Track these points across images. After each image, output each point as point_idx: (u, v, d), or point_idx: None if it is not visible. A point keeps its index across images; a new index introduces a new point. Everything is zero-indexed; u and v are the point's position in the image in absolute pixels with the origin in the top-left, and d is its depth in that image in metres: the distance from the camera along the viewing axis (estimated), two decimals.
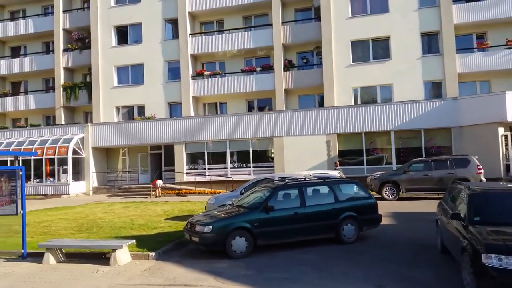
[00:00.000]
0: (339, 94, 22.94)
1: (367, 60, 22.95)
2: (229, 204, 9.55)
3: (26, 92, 29.70)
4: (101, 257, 8.12)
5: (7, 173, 8.44)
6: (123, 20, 26.58)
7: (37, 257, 8.25)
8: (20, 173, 8.72)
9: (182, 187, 22.41)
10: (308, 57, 24.70)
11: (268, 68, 24.30)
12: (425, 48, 22.42)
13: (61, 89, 27.41)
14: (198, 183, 22.77)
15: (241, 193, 11.64)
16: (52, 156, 24.20)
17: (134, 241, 8.17)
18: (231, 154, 23.21)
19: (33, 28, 28.43)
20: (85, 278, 6.87)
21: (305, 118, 21.60)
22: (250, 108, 25.60)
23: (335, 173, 14.88)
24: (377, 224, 9.02)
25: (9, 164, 23.68)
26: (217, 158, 23.59)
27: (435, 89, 22.42)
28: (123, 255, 7.70)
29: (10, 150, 24.82)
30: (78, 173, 24.93)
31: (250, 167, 22.67)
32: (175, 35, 25.94)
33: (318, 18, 23.89)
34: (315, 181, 9.39)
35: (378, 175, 16.48)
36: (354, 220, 8.56)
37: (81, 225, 11.87)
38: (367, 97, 23.09)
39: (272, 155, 22.35)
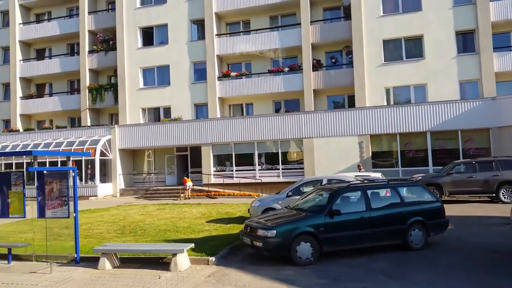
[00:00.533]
0: (371, 94, 22.39)
1: (400, 59, 22.37)
2: (286, 208, 9.13)
3: (51, 94, 29.79)
4: (158, 262, 7.80)
5: (59, 175, 8.17)
6: (149, 21, 26.46)
7: (90, 261, 7.97)
8: (72, 173, 8.48)
9: (210, 189, 22.11)
10: (337, 56, 24.22)
11: (296, 68, 23.89)
12: (460, 47, 21.75)
13: (87, 90, 27.40)
14: (226, 185, 22.41)
15: (288, 196, 11.23)
16: (80, 158, 24.13)
17: (193, 245, 7.80)
18: (259, 155, 22.83)
19: (58, 30, 28.52)
20: (149, 285, 6.52)
21: (336, 119, 21.10)
22: (277, 109, 25.20)
23: (377, 175, 14.38)
24: (444, 229, 8.51)
25: (34, 166, 23.67)
26: (245, 160, 23.25)
27: (470, 89, 21.72)
28: (183, 260, 7.35)
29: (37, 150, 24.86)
30: (105, 175, 24.82)
31: (278, 169, 22.24)
32: (201, 36, 25.72)
33: (347, 17, 23.41)
34: (379, 183, 8.92)
35: (419, 178, 15.88)
36: (421, 225, 8.07)
37: (123, 227, 11.60)
38: (400, 97, 22.50)
39: (301, 157, 21.89)
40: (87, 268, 7.67)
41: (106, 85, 27.36)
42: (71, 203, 8.13)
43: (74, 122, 29.00)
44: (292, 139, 22.07)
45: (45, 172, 8.32)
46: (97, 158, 23.97)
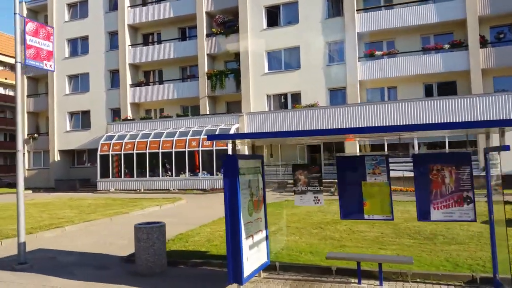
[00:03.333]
0: None
1: None
2: None
3: (160, 82, 28.16)
4: None
5: (456, 158, 5.71)
6: None
7: None
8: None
9: None
10: (505, 31, 20.88)
11: (459, 44, 20.75)
12: None
13: (205, 77, 25.46)
14: None
15: None
16: (210, 148, 22.22)
17: None
18: (418, 146, 20.00)
19: (171, 12, 26.72)
20: None
21: None
22: (427, 93, 22.20)
23: None
24: None
25: (148, 157, 21.92)
26: (397, 149, 20.48)
27: None
28: None
29: (161, 140, 23.21)
30: None
31: None
32: (336, 12, 23.07)
33: None
34: None
35: None
36: None
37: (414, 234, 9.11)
38: None
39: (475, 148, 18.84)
40: None
41: (227, 71, 25.27)
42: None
43: (187, 110, 27.19)
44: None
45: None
46: (230, 149, 21.84)
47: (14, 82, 49.67)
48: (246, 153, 22.68)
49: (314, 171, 6.18)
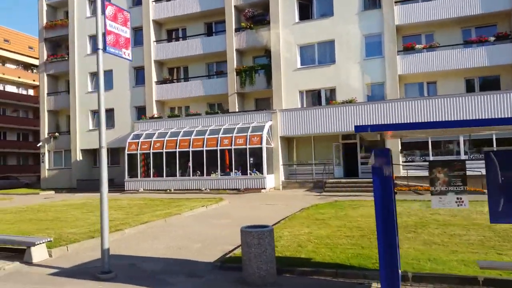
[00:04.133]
0: None
1: None
2: None
3: (186, 79, 27.43)
4: None
5: None
6: None
7: None
8: None
9: (410, 182, 18.70)
10: None
11: (504, 37, 19.90)
12: None
13: (234, 73, 24.71)
14: (416, 178, 18.89)
15: None
16: (243, 146, 21.47)
17: None
18: (464, 142, 19.20)
19: (197, 7, 25.98)
20: None
21: None
22: (469, 89, 21.35)
23: None
24: None
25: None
26: (441, 147, 19.71)
27: None
28: None
29: (191, 139, 22.52)
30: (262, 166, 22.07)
31: None
32: (373, 4, 22.25)
33: None
34: None
35: None
36: None
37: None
38: None
39: None
40: None
41: (257, 66, 24.50)
42: None
43: (214, 108, 26.47)
44: None
45: None
46: (264, 146, 21.20)
47: (27, 81, 49.22)
48: (280, 151, 22.03)
49: (457, 168, 5.42)
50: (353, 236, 8.33)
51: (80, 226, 10.56)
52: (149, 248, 8.34)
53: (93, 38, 29.12)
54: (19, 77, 48.44)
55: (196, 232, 9.88)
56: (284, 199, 17.14)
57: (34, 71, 51.05)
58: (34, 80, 50.36)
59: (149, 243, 8.87)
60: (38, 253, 7.66)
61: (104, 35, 6.67)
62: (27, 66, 50.82)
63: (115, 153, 28.39)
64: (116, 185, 26.60)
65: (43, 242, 7.72)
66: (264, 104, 25.23)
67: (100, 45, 6.66)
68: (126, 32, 7.15)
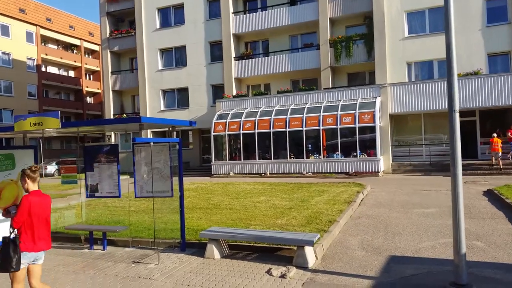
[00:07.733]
0: None
1: None
2: None
3: (266, 54, 25.20)
4: None
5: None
6: None
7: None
8: None
9: None
10: None
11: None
12: None
13: (328, 45, 22.40)
14: None
15: None
16: (352, 125, 19.34)
17: None
18: None
19: None
20: None
21: None
22: None
23: None
24: None
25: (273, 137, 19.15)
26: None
27: None
28: None
29: (287, 117, 20.48)
30: (374, 147, 19.97)
31: None
32: None
33: None
34: None
35: None
36: None
37: None
38: None
39: None
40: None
41: (355, 36, 22.10)
42: None
43: (297, 84, 24.25)
44: None
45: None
46: (377, 124, 19.04)
47: (69, 62, 47.39)
48: (389, 130, 19.95)
49: None
50: None
51: (268, 216, 8.60)
52: (415, 248, 6.35)
53: (162, 11, 26.95)
54: (61, 58, 46.64)
55: (442, 224, 7.81)
56: (422, 184, 14.95)
57: (75, 51, 49.18)
58: (75, 61, 48.57)
59: (400, 238, 6.94)
60: (310, 255, 5.84)
61: None
62: (67, 46, 48.92)
63: (185, 135, 26.58)
64: (191, 169, 24.86)
65: (316, 240, 5.89)
66: (358, 79, 22.97)
67: None
68: None
